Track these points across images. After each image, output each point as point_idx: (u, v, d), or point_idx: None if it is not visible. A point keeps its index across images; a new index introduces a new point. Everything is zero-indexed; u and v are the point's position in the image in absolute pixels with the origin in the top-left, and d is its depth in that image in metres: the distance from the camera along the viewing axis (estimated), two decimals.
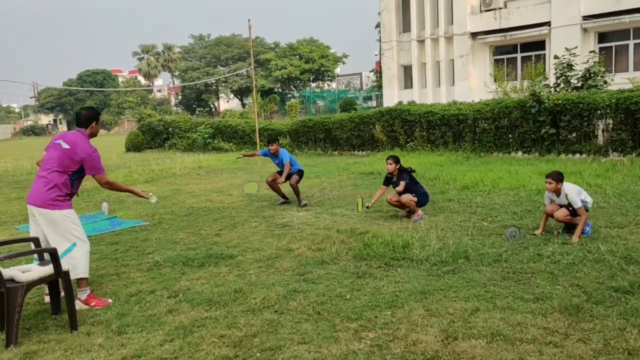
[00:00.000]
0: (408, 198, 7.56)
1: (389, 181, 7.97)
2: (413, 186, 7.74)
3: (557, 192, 6.30)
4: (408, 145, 16.24)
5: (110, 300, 4.91)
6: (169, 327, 4.21)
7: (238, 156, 10.34)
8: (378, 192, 8.05)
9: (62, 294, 4.56)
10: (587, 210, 6.31)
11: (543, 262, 5.28)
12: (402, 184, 7.62)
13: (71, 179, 4.87)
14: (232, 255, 6.21)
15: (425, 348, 3.62)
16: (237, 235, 7.27)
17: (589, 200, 6.43)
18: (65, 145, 4.83)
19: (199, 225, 8.05)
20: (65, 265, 4.47)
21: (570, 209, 6.23)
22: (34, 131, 71.75)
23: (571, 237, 6.04)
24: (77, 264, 4.77)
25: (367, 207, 7.97)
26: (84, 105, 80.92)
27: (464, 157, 14.12)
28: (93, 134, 5.09)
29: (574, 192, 6.21)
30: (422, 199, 7.75)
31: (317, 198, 9.84)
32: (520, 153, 14.01)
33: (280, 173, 9.51)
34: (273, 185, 9.49)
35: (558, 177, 6.26)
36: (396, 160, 7.82)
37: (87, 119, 5.02)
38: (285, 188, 9.61)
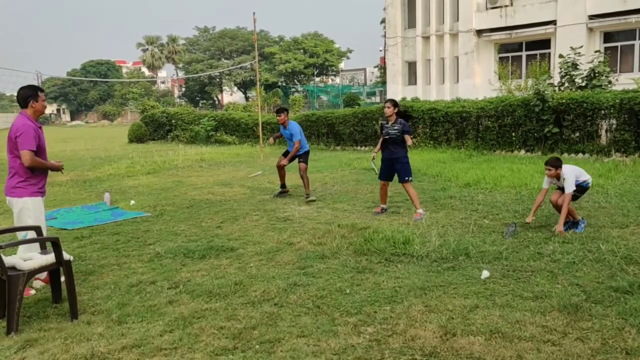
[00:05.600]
0: (409, 185, 7.56)
1: (382, 128, 7.79)
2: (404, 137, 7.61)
3: (557, 177, 6.46)
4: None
5: (33, 291, 4.90)
6: (169, 317, 4.24)
7: (269, 143, 10.27)
8: (379, 143, 7.95)
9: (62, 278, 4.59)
10: (587, 189, 6.55)
11: (543, 261, 5.29)
12: (408, 138, 7.54)
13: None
14: (233, 247, 6.23)
15: (423, 343, 3.63)
16: (238, 228, 7.29)
17: (588, 178, 6.58)
18: (9, 131, 4.82)
19: (200, 217, 8.07)
20: (66, 254, 4.50)
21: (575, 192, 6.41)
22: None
23: (573, 232, 6.18)
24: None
25: (373, 157, 8.26)
26: (87, 95, 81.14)
27: (466, 155, 14.10)
28: (38, 111, 4.93)
29: (570, 176, 6.34)
30: (409, 167, 7.73)
31: (319, 192, 9.85)
32: (523, 151, 13.99)
33: (286, 154, 9.49)
34: (281, 170, 9.50)
35: (557, 164, 6.43)
36: (395, 104, 7.70)
37: (24, 99, 4.87)
38: (291, 182, 9.60)
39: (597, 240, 5.89)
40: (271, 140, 10.10)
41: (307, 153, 9.54)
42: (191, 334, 3.93)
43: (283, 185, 9.62)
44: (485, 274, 4.91)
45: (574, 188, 6.31)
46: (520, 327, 3.83)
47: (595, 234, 6.17)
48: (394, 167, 7.70)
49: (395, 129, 7.58)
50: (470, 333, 3.76)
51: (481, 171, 10.89)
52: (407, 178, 7.62)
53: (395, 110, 7.64)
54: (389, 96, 29.61)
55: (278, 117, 9.39)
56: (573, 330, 3.75)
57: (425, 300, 4.40)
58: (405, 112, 7.86)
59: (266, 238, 6.65)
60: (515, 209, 7.68)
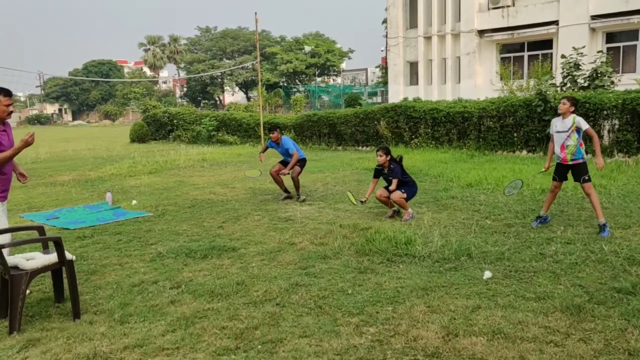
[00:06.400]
0: (398, 196, 7.36)
1: (379, 173, 7.80)
2: (402, 176, 7.57)
3: (565, 116, 6.53)
4: (412, 141, 16.22)
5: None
6: (171, 317, 4.24)
7: (258, 165, 9.83)
8: (370, 186, 7.90)
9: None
10: (585, 163, 6.65)
11: (545, 262, 5.28)
12: (395, 182, 7.46)
13: None
14: (234, 247, 6.23)
15: (425, 344, 3.63)
16: (240, 228, 7.29)
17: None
18: None
19: (202, 217, 8.07)
20: (69, 254, 4.50)
21: (585, 179, 6.55)
22: (39, 120, 71.86)
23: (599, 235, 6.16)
24: None
25: (362, 201, 7.80)
26: (89, 95, 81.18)
27: (468, 155, 14.09)
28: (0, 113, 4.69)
29: (581, 119, 6.50)
30: (412, 191, 7.63)
31: (321, 193, 9.85)
32: (524, 152, 13.97)
33: (283, 163, 9.50)
34: (276, 177, 9.46)
35: (573, 101, 6.56)
36: (387, 152, 7.61)
37: None
38: (287, 182, 9.58)
39: (599, 241, 5.89)
40: (261, 157, 10.07)
41: (304, 160, 9.57)
42: (193, 333, 3.93)
43: (285, 190, 9.59)
44: (487, 274, 4.91)
45: (588, 126, 6.44)
46: (522, 327, 3.82)
47: (598, 234, 6.16)
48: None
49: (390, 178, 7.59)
50: (473, 334, 3.75)
51: (483, 171, 10.88)
52: (403, 191, 7.43)
53: (388, 158, 7.60)
54: (390, 96, 29.64)
55: (271, 135, 9.50)
56: (576, 331, 3.75)
57: (428, 300, 4.40)
58: (397, 158, 7.75)
59: (268, 238, 6.65)
60: (517, 209, 7.67)
